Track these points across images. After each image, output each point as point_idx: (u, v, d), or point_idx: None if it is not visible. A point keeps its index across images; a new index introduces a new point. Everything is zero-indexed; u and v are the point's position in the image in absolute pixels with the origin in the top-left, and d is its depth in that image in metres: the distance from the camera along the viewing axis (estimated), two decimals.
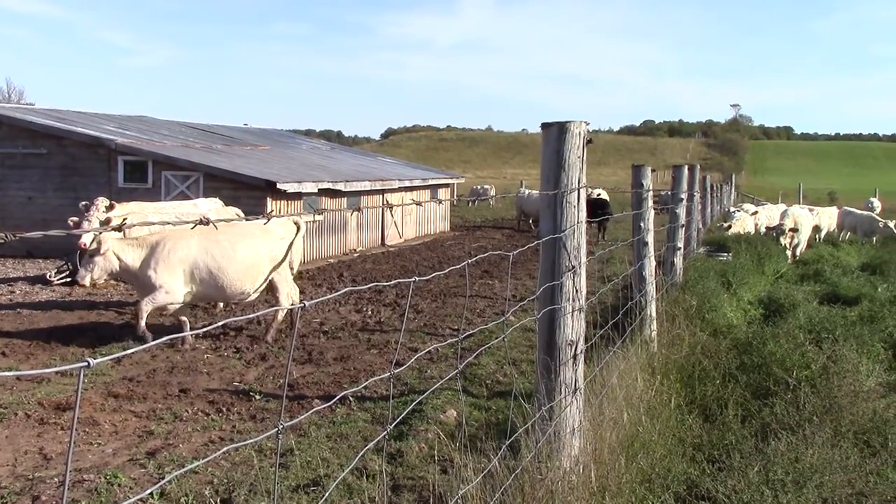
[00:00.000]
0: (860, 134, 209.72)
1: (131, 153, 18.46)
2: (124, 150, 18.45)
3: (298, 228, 10.36)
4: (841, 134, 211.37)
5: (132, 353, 2.02)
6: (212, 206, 13.58)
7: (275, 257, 9.89)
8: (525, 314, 10.20)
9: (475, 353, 6.76)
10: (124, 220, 10.21)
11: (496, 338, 8.81)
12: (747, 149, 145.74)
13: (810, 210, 20.91)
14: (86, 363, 1.61)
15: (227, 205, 14.14)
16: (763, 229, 18.98)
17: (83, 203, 11.40)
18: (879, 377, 6.48)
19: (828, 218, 22.48)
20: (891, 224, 22.02)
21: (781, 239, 16.94)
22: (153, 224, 2.41)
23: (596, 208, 22.68)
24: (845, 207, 25.60)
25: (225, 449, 2.47)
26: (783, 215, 18.23)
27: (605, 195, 26.26)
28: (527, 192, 29.46)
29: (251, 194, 17.49)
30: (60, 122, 19.85)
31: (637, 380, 5.54)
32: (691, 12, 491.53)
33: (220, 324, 2.31)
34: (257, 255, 9.67)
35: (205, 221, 2.57)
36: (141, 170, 18.38)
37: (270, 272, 9.84)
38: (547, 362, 4.29)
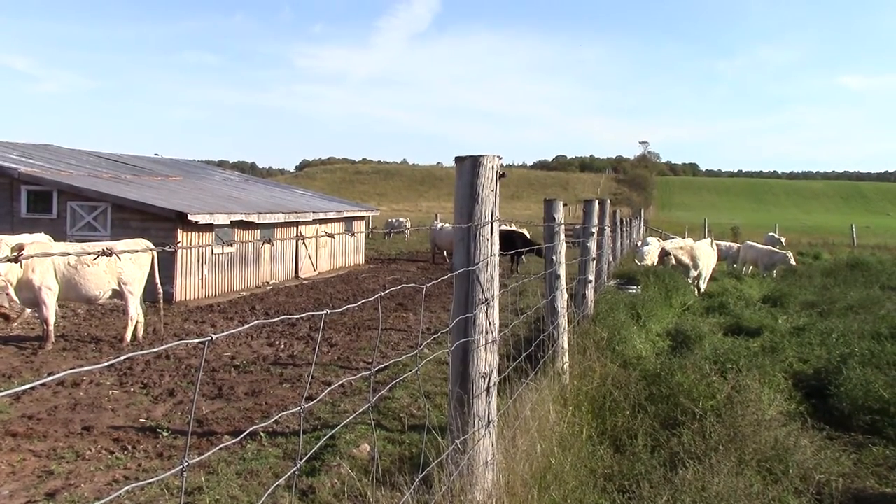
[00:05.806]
0: (761, 171, 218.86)
1: (35, 182, 17.83)
2: (28, 179, 17.81)
3: None
4: (743, 171, 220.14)
5: (29, 387, 1.94)
6: (35, 240, 11.76)
7: None
8: (439, 347, 10.20)
9: (389, 387, 6.72)
10: (20, 251, 9.64)
11: (410, 371, 8.78)
12: (655, 184, 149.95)
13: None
14: None
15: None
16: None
17: None
18: (780, 406, 6.72)
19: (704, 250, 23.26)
20: (788, 253, 23.10)
21: (667, 260, 17.54)
22: (54, 255, 2.33)
23: (514, 242, 23.01)
24: (747, 242, 26.54)
25: (128, 488, 2.39)
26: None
27: (525, 232, 26.37)
28: (440, 225, 29.62)
29: (161, 226, 17.09)
30: None
31: (549, 411, 5.59)
32: (600, 51, 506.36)
33: (123, 357, 2.24)
34: None
35: (108, 253, 2.50)
36: (45, 200, 17.76)
37: None
38: (460, 395, 4.28)
